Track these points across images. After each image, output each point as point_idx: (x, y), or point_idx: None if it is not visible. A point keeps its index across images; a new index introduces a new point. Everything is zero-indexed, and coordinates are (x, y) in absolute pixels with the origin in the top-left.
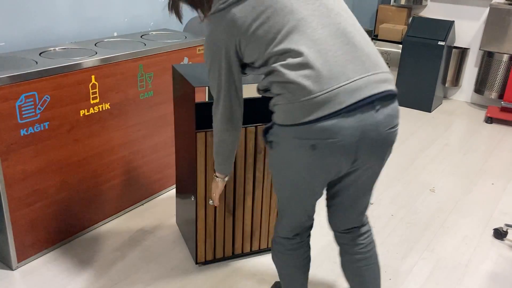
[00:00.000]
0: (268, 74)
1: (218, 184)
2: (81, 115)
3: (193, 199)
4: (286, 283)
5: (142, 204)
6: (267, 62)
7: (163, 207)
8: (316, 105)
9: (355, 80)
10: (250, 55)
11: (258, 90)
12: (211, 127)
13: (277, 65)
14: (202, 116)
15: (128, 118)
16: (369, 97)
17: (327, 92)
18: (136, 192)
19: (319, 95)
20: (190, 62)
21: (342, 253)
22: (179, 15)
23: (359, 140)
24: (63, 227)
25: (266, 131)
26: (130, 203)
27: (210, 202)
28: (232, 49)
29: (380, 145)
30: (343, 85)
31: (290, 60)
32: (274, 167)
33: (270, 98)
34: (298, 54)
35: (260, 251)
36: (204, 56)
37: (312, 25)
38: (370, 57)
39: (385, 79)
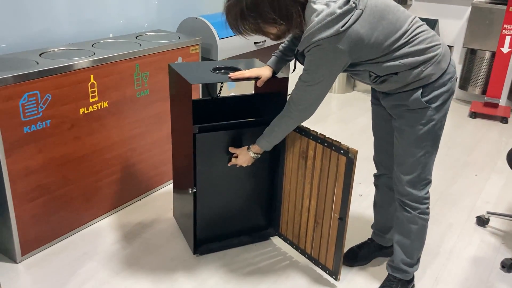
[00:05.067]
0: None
1: (251, 160)
2: (81, 113)
3: (190, 191)
4: (420, 251)
5: (140, 200)
6: None
7: (160, 202)
8: None
9: None
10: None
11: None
12: (206, 122)
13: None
14: (198, 112)
15: (126, 116)
16: None
17: None
18: (134, 187)
19: None
20: (184, 61)
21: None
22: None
23: None
24: (65, 221)
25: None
26: (129, 198)
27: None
28: (348, 62)
29: None
30: None
31: None
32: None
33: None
34: None
35: (254, 241)
36: (315, 69)
37: None
38: None
39: None
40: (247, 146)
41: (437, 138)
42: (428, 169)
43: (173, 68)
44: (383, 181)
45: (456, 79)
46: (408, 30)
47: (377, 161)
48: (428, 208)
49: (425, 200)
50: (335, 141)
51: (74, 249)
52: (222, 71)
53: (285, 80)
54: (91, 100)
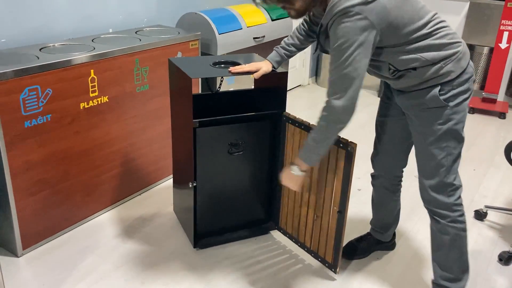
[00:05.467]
0: None
1: (301, 178)
2: (81, 108)
3: (191, 185)
4: (460, 264)
5: (140, 194)
6: None
7: (160, 197)
8: None
9: None
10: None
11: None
12: (206, 116)
13: None
14: (198, 106)
15: (126, 111)
16: None
17: None
18: (134, 182)
19: None
20: (184, 56)
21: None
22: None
23: None
24: (65, 215)
25: None
26: (129, 193)
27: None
28: (376, 39)
29: None
30: None
31: None
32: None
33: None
34: None
35: (254, 235)
36: (343, 44)
37: None
38: None
39: None
40: (289, 165)
41: (459, 139)
42: (453, 173)
43: (173, 62)
44: (380, 182)
45: (474, 81)
46: (431, 21)
47: (374, 160)
48: (461, 215)
49: (455, 207)
50: None
51: (75, 243)
52: (222, 65)
53: (284, 74)
54: (91, 94)
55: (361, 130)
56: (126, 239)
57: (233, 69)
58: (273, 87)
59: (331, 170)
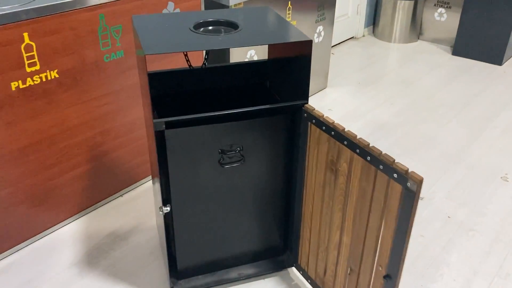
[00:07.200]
0: None
1: None
2: (14, 88)
3: (161, 212)
4: None
5: (122, 195)
6: None
7: (145, 200)
8: None
9: None
10: None
11: None
12: (187, 107)
13: None
14: (179, 92)
15: (89, 88)
16: None
17: None
18: (109, 182)
19: None
20: (178, 10)
21: None
22: None
23: None
24: (4, 235)
25: None
26: (101, 197)
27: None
28: None
29: None
30: None
31: None
32: None
33: None
34: None
35: (262, 273)
36: None
37: None
38: None
39: None
40: None
41: None
42: None
43: (135, 24)
44: None
45: None
46: None
47: None
48: None
49: None
50: (385, 155)
51: (16, 274)
52: (210, 28)
53: (308, 44)
54: (28, 69)
55: (427, 102)
56: (85, 269)
57: None
58: (289, 60)
59: (376, 208)
